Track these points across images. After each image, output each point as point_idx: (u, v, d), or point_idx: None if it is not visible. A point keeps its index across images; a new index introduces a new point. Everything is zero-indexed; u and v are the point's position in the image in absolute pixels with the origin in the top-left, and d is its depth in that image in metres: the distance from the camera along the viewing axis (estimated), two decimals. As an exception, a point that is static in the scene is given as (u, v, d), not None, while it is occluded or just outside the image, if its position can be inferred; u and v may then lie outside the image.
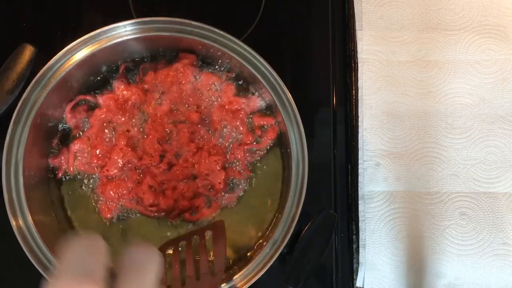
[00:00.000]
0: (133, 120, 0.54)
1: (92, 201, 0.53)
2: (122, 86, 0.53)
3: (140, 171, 0.53)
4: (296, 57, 0.60)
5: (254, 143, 0.54)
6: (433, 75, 0.59)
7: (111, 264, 0.26)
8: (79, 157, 0.53)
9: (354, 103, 0.59)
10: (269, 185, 0.54)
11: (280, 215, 0.49)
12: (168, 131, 0.54)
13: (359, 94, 0.59)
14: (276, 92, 0.50)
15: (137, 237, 0.53)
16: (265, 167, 0.55)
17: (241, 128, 0.54)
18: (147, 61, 0.56)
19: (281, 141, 0.54)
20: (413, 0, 0.61)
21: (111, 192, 0.52)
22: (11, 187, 0.47)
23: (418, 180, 0.57)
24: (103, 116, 0.53)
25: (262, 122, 0.54)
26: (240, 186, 0.54)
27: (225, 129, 0.54)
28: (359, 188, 0.57)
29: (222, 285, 0.48)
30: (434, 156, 0.57)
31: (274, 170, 0.55)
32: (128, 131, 0.53)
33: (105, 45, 0.50)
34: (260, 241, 0.53)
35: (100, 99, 0.54)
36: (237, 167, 0.54)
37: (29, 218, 0.47)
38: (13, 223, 0.47)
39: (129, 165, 0.52)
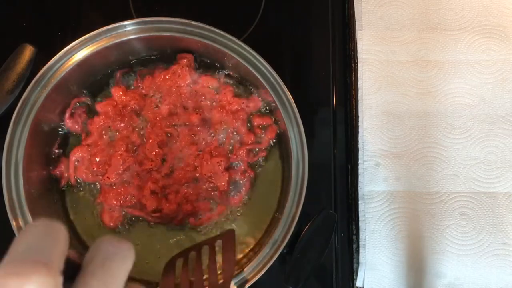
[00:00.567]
0: (133, 125, 0.53)
1: (94, 210, 0.53)
2: (120, 92, 0.53)
3: (141, 176, 0.52)
4: (296, 57, 0.60)
5: (256, 143, 0.54)
6: (433, 75, 0.59)
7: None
8: (79, 166, 0.53)
9: (354, 103, 0.59)
10: (269, 186, 0.54)
11: (280, 215, 0.49)
12: (168, 135, 0.53)
13: (359, 94, 0.59)
14: (276, 92, 0.50)
15: (142, 245, 0.53)
16: (265, 168, 0.55)
17: (242, 129, 0.54)
18: (146, 62, 0.56)
19: (281, 141, 0.54)
20: (413, 0, 0.61)
21: (113, 200, 0.51)
22: (11, 187, 0.47)
23: (418, 180, 0.57)
24: (102, 123, 0.53)
25: (261, 122, 0.54)
26: (244, 187, 0.54)
27: (225, 130, 0.54)
28: (359, 188, 0.57)
29: None
30: (434, 156, 0.57)
31: (274, 171, 0.55)
32: (127, 136, 0.53)
33: (105, 45, 0.50)
34: (260, 241, 0.53)
35: (98, 107, 0.53)
36: (240, 168, 0.54)
37: (29, 218, 0.47)
38: (13, 223, 0.47)
39: (130, 171, 0.52)
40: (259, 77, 0.50)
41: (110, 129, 0.53)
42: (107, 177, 0.51)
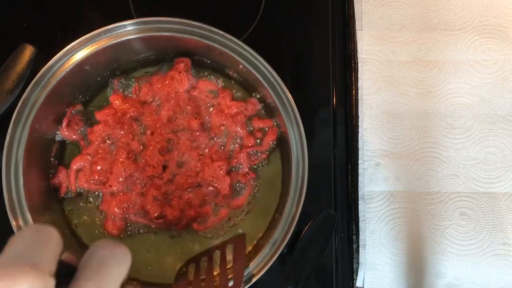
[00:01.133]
0: (133, 132, 0.53)
1: (97, 219, 0.53)
2: (118, 100, 0.53)
3: (143, 183, 0.52)
4: (296, 57, 0.60)
5: (256, 145, 0.54)
6: (433, 75, 0.59)
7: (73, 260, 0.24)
8: (80, 175, 0.52)
9: (354, 103, 0.59)
10: (270, 186, 0.54)
11: (280, 215, 0.49)
12: (169, 141, 0.53)
13: (359, 94, 0.59)
14: (276, 92, 0.50)
15: (146, 252, 0.53)
16: (265, 168, 0.55)
17: (242, 132, 0.54)
18: (146, 63, 0.56)
19: (281, 142, 0.54)
20: (413, 0, 0.61)
21: (116, 208, 0.51)
22: (11, 187, 0.47)
23: (418, 180, 0.57)
24: (102, 131, 0.53)
25: (261, 125, 0.54)
26: (246, 190, 0.54)
27: (225, 134, 0.54)
28: (359, 188, 0.57)
29: None
30: (434, 156, 0.57)
31: (274, 171, 0.55)
32: (128, 144, 0.53)
33: (105, 45, 0.50)
34: (260, 241, 0.53)
35: (98, 115, 0.53)
36: (241, 171, 0.54)
37: (29, 218, 0.47)
38: (13, 223, 0.47)
39: (132, 179, 0.52)
40: (259, 77, 0.50)
41: (110, 137, 0.53)
42: (109, 185, 0.51)
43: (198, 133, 0.53)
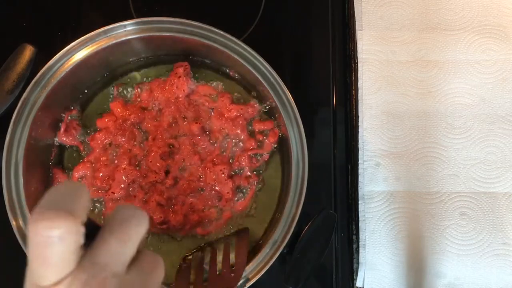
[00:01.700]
0: (134, 139, 0.53)
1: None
2: (119, 107, 0.53)
3: (146, 189, 0.52)
4: (296, 57, 0.60)
5: (257, 148, 0.54)
6: (433, 75, 0.59)
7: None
8: (83, 183, 0.52)
9: (354, 103, 0.59)
10: (270, 186, 0.54)
11: (280, 215, 0.49)
12: (170, 146, 0.53)
13: (359, 94, 0.59)
14: (276, 92, 0.50)
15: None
16: (267, 170, 0.55)
17: (242, 135, 0.54)
18: (146, 63, 0.56)
19: (281, 142, 0.54)
20: (413, 0, 0.61)
21: None
22: (11, 187, 0.47)
23: (418, 180, 0.57)
24: (103, 138, 0.53)
25: (262, 127, 0.54)
26: (249, 193, 0.54)
27: (226, 138, 0.54)
28: (359, 188, 0.57)
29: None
30: (434, 156, 0.57)
31: (274, 171, 0.55)
32: (129, 150, 0.53)
33: (105, 45, 0.50)
34: (260, 241, 0.53)
35: (99, 123, 0.53)
36: (244, 174, 0.54)
37: (29, 218, 0.47)
38: (13, 223, 0.47)
39: (134, 185, 0.52)
40: (259, 77, 0.50)
41: (111, 144, 0.53)
42: (112, 192, 0.51)
43: (199, 137, 0.53)
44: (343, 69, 0.60)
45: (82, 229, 0.23)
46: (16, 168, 0.48)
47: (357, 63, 0.60)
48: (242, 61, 0.50)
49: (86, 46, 0.50)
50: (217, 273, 0.48)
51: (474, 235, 0.56)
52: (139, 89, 0.54)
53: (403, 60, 0.60)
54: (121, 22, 0.50)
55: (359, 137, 0.58)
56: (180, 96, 0.53)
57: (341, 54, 0.60)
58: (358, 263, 0.56)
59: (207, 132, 0.54)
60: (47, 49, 0.52)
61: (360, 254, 0.56)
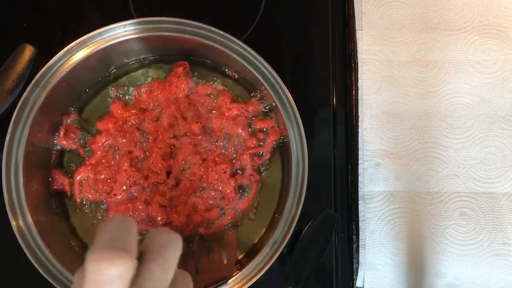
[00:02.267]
0: (135, 140, 0.53)
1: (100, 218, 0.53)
2: (119, 109, 0.53)
3: (148, 190, 0.52)
4: (296, 57, 0.60)
5: (259, 146, 0.54)
6: (433, 75, 0.59)
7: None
8: (84, 186, 0.52)
9: (354, 103, 0.59)
10: (270, 186, 0.54)
11: (280, 215, 0.49)
12: (171, 147, 0.53)
13: (359, 94, 0.59)
14: (276, 92, 0.50)
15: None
16: (265, 168, 0.55)
17: (243, 134, 0.54)
18: (146, 64, 0.56)
19: (282, 142, 0.54)
20: (413, 0, 0.61)
21: None
22: (11, 187, 0.47)
23: (418, 180, 0.57)
24: (104, 141, 0.53)
25: (262, 125, 0.54)
26: (251, 191, 0.54)
27: (227, 136, 0.54)
28: (359, 188, 0.57)
29: (221, 286, 0.48)
30: (434, 156, 0.57)
31: (274, 171, 0.55)
32: (130, 152, 0.52)
33: (105, 45, 0.50)
34: (260, 241, 0.53)
35: (99, 125, 0.53)
36: (245, 173, 0.54)
37: (29, 218, 0.47)
38: (13, 223, 0.47)
39: (136, 186, 0.52)
40: (259, 77, 0.50)
41: (112, 146, 0.53)
42: (114, 194, 0.51)
43: (200, 137, 0.53)
44: (343, 69, 0.60)
45: (136, 263, 0.25)
46: (16, 168, 0.48)
47: (357, 63, 0.60)
48: (242, 61, 0.50)
49: (86, 46, 0.50)
50: (208, 264, 0.50)
51: (474, 235, 0.56)
52: (139, 91, 0.54)
53: (403, 60, 0.60)
54: (121, 22, 0.49)
55: (359, 137, 0.58)
56: (180, 96, 0.53)
57: (341, 54, 0.60)
58: (358, 263, 0.56)
59: (208, 132, 0.54)
60: (47, 49, 0.52)
61: (360, 254, 0.56)
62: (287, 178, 0.52)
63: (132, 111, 0.53)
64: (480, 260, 0.55)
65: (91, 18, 0.60)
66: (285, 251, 0.50)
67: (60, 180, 0.53)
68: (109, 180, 0.52)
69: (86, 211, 0.53)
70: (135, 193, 0.52)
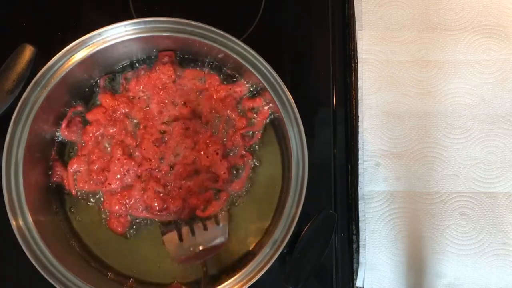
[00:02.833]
0: (125, 129, 0.53)
1: (103, 220, 0.53)
2: (107, 99, 0.53)
3: (142, 178, 0.52)
4: (296, 57, 0.60)
5: (249, 126, 0.54)
6: (433, 75, 0.59)
7: None
8: (79, 177, 0.52)
9: (354, 103, 0.59)
10: (270, 186, 0.54)
11: (280, 215, 0.49)
12: (162, 132, 0.53)
13: (359, 94, 0.59)
14: (276, 92, 0.50)
15: (152, 248, 0.53)
16: (265, 168, 0.55)
17: (233, 115, 0.54)
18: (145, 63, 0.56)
19: (281, 140, 0.54)
20: (413, 0, 0.61)
21: (118, 206, 0.51)
22: (11, 187, 0.47)
23: (418, 180, 0.57)
24: (95, 131, 0.53)
25: (251, 105, 0.54)
26: (244, 171, 0.54)
27: (217, 118, 0.54)
28: (359, 188, 0.57)
29: (221, 285, 0.48)
30: (434, 156, 0.57)
31: (274, 170, 0.55)
32: (122, 140, 0.53)
33: (105, 45, 0.50)
34: (260, 241, 0.53)
35: (89, 116, 0.53)
36: (238, 153, 0.54)
37: (29, 218, 0.47)
38: (13, 223, 0.47)
39: (130, 174, 0.52)
40: (259, 77, 0.50)
41: (103, 135, 0.53)
42: (108, 183, 0.51)
43: (190, 121, 0.53)
44: (343, 69, 0.60)
45: None
46: (16, 168, 0.48)
47: (357, 63, 0.60)
48: (242, 61, 0.50)
49: (86, 46, 0.50)
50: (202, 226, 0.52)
51: (474, 235, 0.56)
52: (126, 79, 0.54)
53: (403, 60, 0.60)
54: (121, 22, 0.50)
55: (359, 137, 0.58)
56: (168, 82, 0.54)
57: (341, 54, 0.60)
58: (358, 263, 0.56)
59: (198, 115, 0.54)
60: (47, 49, 0.52)
61: (360, 254, 0.56)
62: (287, 178, 0.52)
63: (121, 100, 0.53)
64: (480, 260, 0.55)
65: (91, 18, 0.61)
66: (285, 251, 0.50)
67: (60, 173, 0.53)
68: (102, 170, 0.52)
69: (83, 204, 0.53)
70: (129, 181, 0.52)
